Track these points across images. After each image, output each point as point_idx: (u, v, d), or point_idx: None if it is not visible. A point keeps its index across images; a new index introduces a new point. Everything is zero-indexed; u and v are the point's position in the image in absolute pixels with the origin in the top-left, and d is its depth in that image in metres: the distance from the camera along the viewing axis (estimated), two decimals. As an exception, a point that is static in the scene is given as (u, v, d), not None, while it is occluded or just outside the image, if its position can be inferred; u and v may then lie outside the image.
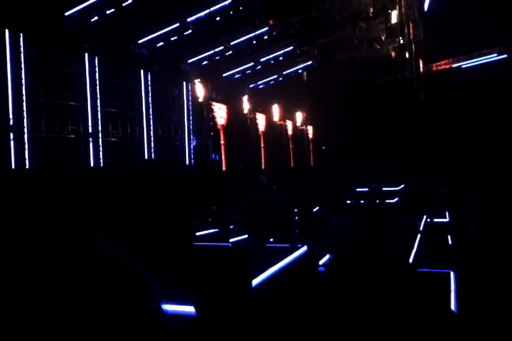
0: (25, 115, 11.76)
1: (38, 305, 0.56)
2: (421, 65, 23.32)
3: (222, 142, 20.17)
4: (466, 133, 25.61)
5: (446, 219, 15.06)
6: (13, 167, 11.27)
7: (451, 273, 8.38)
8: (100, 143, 13.93)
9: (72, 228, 0.67)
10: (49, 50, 12.81)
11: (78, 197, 11.39)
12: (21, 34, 11.73)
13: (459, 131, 25.78)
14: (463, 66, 25.25)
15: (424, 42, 22.43)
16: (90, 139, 13.73)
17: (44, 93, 12.72)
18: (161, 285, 0.68)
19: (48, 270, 0.59)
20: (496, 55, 23.97)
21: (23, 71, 11.80)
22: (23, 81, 11.80)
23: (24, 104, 11.73)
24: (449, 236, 12.38)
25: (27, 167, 11.55)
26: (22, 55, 11.83)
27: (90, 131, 13.73)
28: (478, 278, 7.97)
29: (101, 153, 13.90)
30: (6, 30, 11.44)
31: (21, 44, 11.79)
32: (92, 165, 13.66)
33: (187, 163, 18.20)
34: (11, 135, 11.38)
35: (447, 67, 25.57)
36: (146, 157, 15.97)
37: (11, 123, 11.35)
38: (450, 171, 23.58)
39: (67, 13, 12.87)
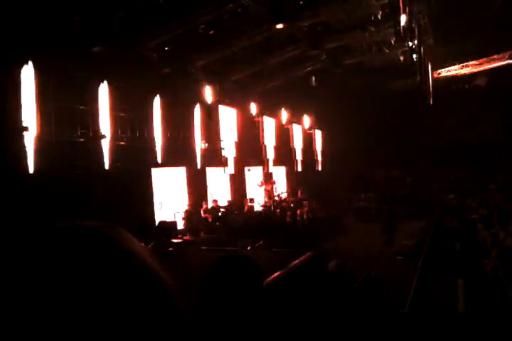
0: (35, 118, 11.71)
1: (63, 303, 0.55)
2: (430, 70, 23.28)
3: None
4: (476, 138, 25.46)
5: (456, 225, 14.97)
6: (21, 170, 11.20)
7: (460, 280, 8.32)
8: (110, 147, 13.92)
9: (98, 228, 0.65)
10: (58, 52, 12.65)
11: (89, 200, 11.43)
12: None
13: (468, 135, 25.64)
14: (473, 70, 25.16)
15: (434, 47, 22.40)
16: (100, 143, 13.72)
17: (54, 97, 12.66)
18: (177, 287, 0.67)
19: (72, 269, 0.57)
20: (506, 61, 23.88)
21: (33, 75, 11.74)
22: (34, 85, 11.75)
23: (35, 106, 11.69)
24: (457, 242, 12.30)
25: (33, 170, 11.45)
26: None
27: (100, 134, 13.70)
28: (488, 285, 7.90)
29: (110, 156, 13.86)
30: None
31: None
32: (101, 168, 13.63)
33: (198, 166, 18.17)
34: (22, 138, 11.35)
35: (456, 72, 25.48)
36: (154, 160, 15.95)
37: (22, 125, 11.34)
38: (459, 176, 23.45)
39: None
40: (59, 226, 0.63)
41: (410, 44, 17.70)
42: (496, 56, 23.98)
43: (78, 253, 0.59)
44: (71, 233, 0.62)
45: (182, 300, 0.65)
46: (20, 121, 11.07)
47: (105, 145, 13.73)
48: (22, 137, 11.10)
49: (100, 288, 0.57)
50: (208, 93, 18.26)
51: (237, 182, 20.67)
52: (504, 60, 23.78)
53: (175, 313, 0.62)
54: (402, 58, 21.39)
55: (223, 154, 19.38)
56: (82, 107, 13.20)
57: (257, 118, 22.44)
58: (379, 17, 17.42)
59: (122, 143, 14.50)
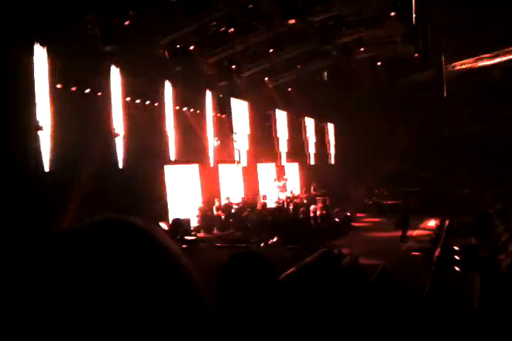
0: (50, 116, 11.75)
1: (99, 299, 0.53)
2: (444, 63, 22.98)
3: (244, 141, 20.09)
4: (492, 131, 25.03)
5: (471, 220, 14.83)
6: (36, 168, 11.26)
7: (476, 275, 8.26)
8: (124, 146, 13.95)
9: (134, 222, 0.63)
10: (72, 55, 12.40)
11: (103, 198, 11.52)
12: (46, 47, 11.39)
13: (483, 128, 25.23)
14: (488, 63, 24.77)
15: (448, 40, 22.10)
16: (115, 141, 13.78)
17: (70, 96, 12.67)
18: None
19: (110, 262, 0.55)
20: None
21: (47, 74, 11.71)
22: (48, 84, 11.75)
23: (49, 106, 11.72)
24: (473, 238, 12.20)
25: (48, 168, 11.49)
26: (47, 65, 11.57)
27: (115, 133, 13.76)
28: (503, 280, 7.83)
29: (124, 155, 13.90)
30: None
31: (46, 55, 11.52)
32: (117, 166, 13.69)
33: (211, 165, 18.17)
34: (36, 135, 11.40)
35: (471, 65, 25.11)
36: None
37: (37, 124, 11.39)
38: (475, 171, 23.16)
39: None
40: (93, 219, 0.62)
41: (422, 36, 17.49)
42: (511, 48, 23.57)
43: (116, 247, 0.57)
44: (107, 226, 0.61)
45: (209, 300, 0.66)
46: (35, 120, 11.19)
47: (119, 143, 13.85)
48: (37, 136, 11.22)
49: (136, 281, 0.56)
50: (220, 88, 18.33)
51: (250, 179, 20.68)
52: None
53: (203, 311, 0.62)
54: (415, 51, 21.11)
55: (236, 147, 19.34)
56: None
57: (269, 112, 22.49)
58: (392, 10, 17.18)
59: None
